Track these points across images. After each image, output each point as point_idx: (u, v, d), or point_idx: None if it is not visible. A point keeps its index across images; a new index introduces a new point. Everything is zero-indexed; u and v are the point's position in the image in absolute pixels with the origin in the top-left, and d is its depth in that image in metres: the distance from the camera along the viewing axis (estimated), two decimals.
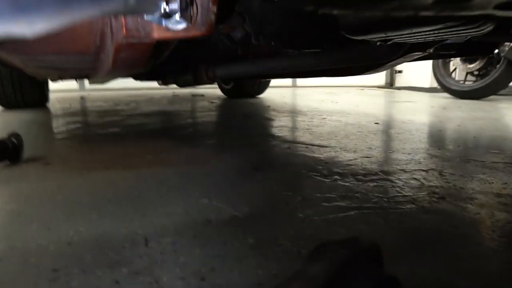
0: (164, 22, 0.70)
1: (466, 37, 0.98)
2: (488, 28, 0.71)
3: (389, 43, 0.93)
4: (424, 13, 0.45)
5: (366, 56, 1.06)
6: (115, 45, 0.82)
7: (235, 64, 1.72)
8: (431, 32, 0.74)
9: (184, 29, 0.74)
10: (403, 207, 0.78)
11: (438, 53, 1.45)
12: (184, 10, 0.67)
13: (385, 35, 0.76)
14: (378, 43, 0.96)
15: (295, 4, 0.75)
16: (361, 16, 0.52)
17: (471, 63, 3.86)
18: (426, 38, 0.84)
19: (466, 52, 1.71)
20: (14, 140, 1.18)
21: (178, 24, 0.73)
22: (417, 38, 0.84)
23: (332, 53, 1.13)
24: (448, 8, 0.44)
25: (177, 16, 0.69)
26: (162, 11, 0.67)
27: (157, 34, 0.72)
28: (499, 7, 0.44)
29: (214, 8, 0.69)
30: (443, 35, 0.82)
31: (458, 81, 4.00)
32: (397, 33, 0.73)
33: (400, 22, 0.65)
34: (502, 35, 1.09)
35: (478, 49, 1.80)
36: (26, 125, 2.08)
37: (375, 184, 0.93)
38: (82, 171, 1.07)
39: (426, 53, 1.29)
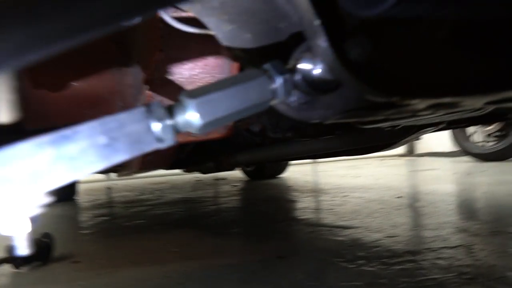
0: None
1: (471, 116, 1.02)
2: (489, 109, 0.75)
3: (398, 127, 0.97)
4: (422, 113, 0.50)
5: (377, 139, 1.11)
6: None
7: (255, 151, 1.79)
8: (434, 117, 0.78)
9: (205, 133, 0.81)
10: None
11: (450, 126, 1.48)
12: None
13: (392, 123, 0.80)
14: (388, 128, 1.01)
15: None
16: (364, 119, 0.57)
17: (488, 125, 3.86)
18: (431, 121, 0.89)
19: (478, 122, 1.74)
20: (45, 240, 1.23)
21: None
22: (423, 122, 0.88)
23: (346, 137, 1.18)
24: (442, 108, 0.48)
25: None
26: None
27: (180, 139, 0.79)
28: (489, 103, 0.48)
29: None
30: (447, 118, 0.86)
31: (479, 143, 3.97)
32: (402, 121, 0.78)
33: (402, 117, 0.70)
34: (506, 110, 1.13)
35: (489, 118, 1.83)
36: (55, 220, 2.14)
37: (401, 267, 0.91)
38: (109, 269, 1.09)
39: (439, 128, 1.33)
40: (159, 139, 0.31)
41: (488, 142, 3.94)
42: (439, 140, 5.57)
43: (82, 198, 3.41)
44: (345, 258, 1.01)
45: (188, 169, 2.91)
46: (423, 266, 0.91)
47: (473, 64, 0.42)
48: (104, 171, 2.40)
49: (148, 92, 0.85)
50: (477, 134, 4.08)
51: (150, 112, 0.30)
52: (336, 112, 0.47)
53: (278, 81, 0.37)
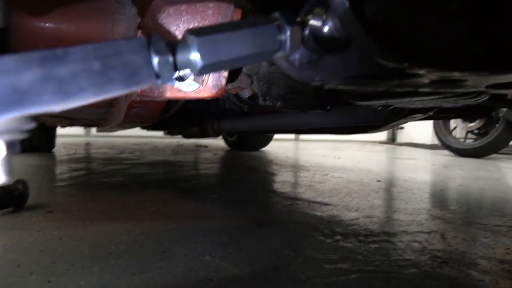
0: (176, 83, 0.74)
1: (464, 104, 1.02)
2: (484, 98, 0.74)
3: (390, 108, 0.96)
4: (422, 90, 0.48)
5: (368, 118, 1.10)
6: (128, 102, 0.86)
7: (241, 119, 1.77)
8: (430, 100, 0.77)
9: (195, 91, 0.78)
10: (406, 271, 0.78)
11: (438, 115, 1.49)
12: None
13: (386, 102, 0.79)
14: (380, 108, 1.00)
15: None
16: (364, 90, 0.56)
17: (470, 122, 3.93)
18: (425, 105, 0.88)
19: (465, 114, 1.76)
20: (20, 187, 1.20)
21: (190, 86, 0.77)
22: (417, 105, 0.88)
23: (335, 114, 1.17)
24: (444, 86, 0.47)
25: (190, 79, 0.73)
26: (176, 75, 0.71)
27: (169, 94, 0.76)
28: (490, 86, 0.47)
29: (225, 73, 0.74)
30: (442, 103, 0.86)
31: (459, 139, 4.06)
32: (398, 101, 0.77)
33: (401, 93, 0.69)
34: (498, 101, 1.14)
35: (477, 112, 1.85)
36: (31, 170, 2.10)
37: (377, 246, 0.93)
38: (84, 221, 1.07)
39: (426, 115, 1.33)
40: (157, 75, 0.28)
41: (467, 138, 4.02)
42: (421, 131, 5.66)
43: (60, 151, 3.35)
44: (322, 233, 1.02)
45: (171, 132, 2.87)
46: (398, 247, 0.93)
47: (485, 41, 0.41)
48: (85, 124, 2.34)
49: None
50: (458, 129, 4.15)
51: (151, 44, 0.28)
52: (338, 76, 0.45)
53: (287, 32, 0.35)
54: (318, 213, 1.23)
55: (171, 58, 0.29)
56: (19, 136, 0.27)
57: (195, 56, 0.30)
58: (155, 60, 0.28)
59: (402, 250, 0.90)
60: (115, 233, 0.97)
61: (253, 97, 1.19)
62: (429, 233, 1.06)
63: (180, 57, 0.30)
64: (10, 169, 0.27)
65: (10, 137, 0.27)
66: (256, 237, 0.97)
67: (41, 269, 0.74)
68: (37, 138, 2.99)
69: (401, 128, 6.36)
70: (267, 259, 0.82)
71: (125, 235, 0.95)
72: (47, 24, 1.01)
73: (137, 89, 0.29)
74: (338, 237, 0.98)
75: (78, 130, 4.79)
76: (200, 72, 0.31)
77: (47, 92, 0.24)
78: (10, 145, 0.27)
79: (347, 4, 0.32)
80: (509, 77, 0.45)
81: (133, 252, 0.84)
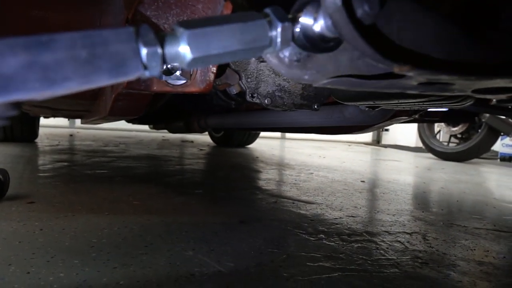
0: (164, 77, 0.74)
1: (449, 108, 1.04)
2: (469, 102, 0.75)
3: (377, 109, 0.97)
4: (410, 92, 0.49)
5: (354, 119, 1.11)
6: (114, 94, 0.84)
7: (228, 116, 1.77)
8: (416, 103, 0.78)
9: (183, 85, 0.78)
10: (387, 271, 0.78)
11: (423, 118, 1.51)
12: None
13: (373, 103, 0.80)
14: (366, 108, 1.01)
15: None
16: (352, 90, 0.56)
17: (454, 126, 4.00)
18: (411, 107, 0.89)
19: (450, 119, 1.79)
20: (0, 176, 1.17)
21: (177, 80, 0.76)
22: (403, 107, 0.88)
23: (322, 113, 1.17)
24: (431, 89, 0.47)
25: (177, 73, 0.72)
26: (164, 67, 0.70)
27: (156, 87, 0.75)
28: (476, 91, 0.48)
29: (213, 68, 0.73)
30: (428, 106, 0.87)
31: (442, 143, 4.12)
32: (385, 102, 0.78)
33: (388, 95, 0.69)
34: (482, 107, 1.16)
35: (461, 117, 1.88)
36: (12, 160, 2.06)
37: (360, 245, 0.93)
38: (66, 213, 1.05)
39: (412, 118, 1.35)
40: (145, 66, 0.28)
41: (451, 142, 4.09)
42: (405, 134, 5.74)
43: (43, 141, 3.29)
44: (306, 231, 1.02)
45: (156, 126, 2.85)
46: (380, 247, 0.94)
47: (475, 45, 0.41)
48: (70, 116, 2.30)
49: None
50: (442, 133, 4.22)
51: (139, 35, 0.28)
52: (327, 75, 0.45)
53: (278, 29, 0.35)
54: (302, 211, 1.24)
55: (160, 50, 0.28)
56: (0, 123, 0.26)
57: (184, 49, 0.30)
58: (144, 51, 0.28)
59: (384, 250, 0.91)
60: (97, 225, 0.96)
61: (241, 94, 1.18)
62: (411, 234, 1.07)
63: (169, 49, 0.30)
64: None
65: None
66: (240, 233, 0.97)
67: (20, 260, 0.73)
68: (19, 128, 2.93)
69: (386, 130, 6.44)
70: (250, 255, 0.82)
71: (107, 228, 0.94)
72: (33, 12, 0.99)
73: (123, 80, 0.28)
74: (322, 235, 0.99)
75: (62, 121, 4.71)
76: (189, 65, 0.30)
77: (31, 79, 0.24)
78: None
79: (339, 3, 0.32)
80: (495, 82, 0.45)
81: (115, 245, 0.83)
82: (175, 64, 0.32)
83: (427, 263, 0.85)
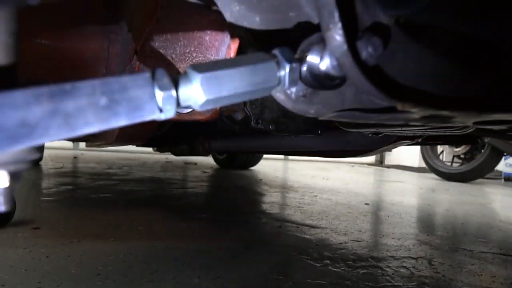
0: None
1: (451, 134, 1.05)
2: (471, 129, 0.77)
3: (380, 135, 0.98)
4: (413, 123, 0.50)
5: (357, 143, 1.12)
6: None
7: (232, 139, 1.78)
8: (419, 130, 0.79)
9: (190, 113, 0.79)
10: None
11: (426, 142, 1.52)
12: None
13: (376, 130, 0.81)
14: (370, 134, 1.02)
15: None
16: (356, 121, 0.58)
17: (457, 147, 3.99)
18: (414, 133, 0.90)
19: (452, 141, 1.80)
20: None
21: (184, 108, 0.78)
22: (406, 133, 0.90)
23: (325, 138, 1.19)
24: (434, 121, 0.49)
25: None
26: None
27: None
28: (478, 123, 0.49)
29: None
30: (430, 133, 0.88)
31: (446, 163, 4.11)
32: (388, 129, 0.79)
33: (391, 124, 0.71)
34: (483, 132, 1.17)
35: (463, 139, 1.89)
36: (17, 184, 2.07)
37: (365, 271, 0.93)
38: (71, 239, 1.06)
39: (415, 142, 1.36)
40: (161, 109, 0.29)
41: (454, 162, 4.08)
42: (409, 155, 5.73)
43: (47, 164, 3.31)
44: (311, 257, 1.02)
45: (160, 149, 2.86)
46: (386, 273, 0.93)
47: (475, 82, 0.43)
48: (75, 139, 2.32)
49: (136, 63, 0.82)
50: (445, 154, 4.22)
51: (155, 80, 0.29)
52: (332, 110, 0.47)
53: (286, 69, 0.36)
54: (307, 236, 1.24)
55: (174, 94, 0.30)
56: (23, 167, 0.27)
57: (197, 92, 0.31)
58: (159, 95, 0.29)
59: (390, 276, 0.91)
60: (103, 252, 0.96)
61: (246, 119, 1.20)
62: (416, 259, 1.07)
63: (183, 92, 0.31)
64: (11, 199, 0.27)
65: (15, 168, 0.27)
66: (245, 259, 0.97)
67: None
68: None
69: (389, 151, 6.43)
70: (256, 283, 0.82)
71: (113, 255, 0.94)
72: (43, 41, 1.02)
73: (140, 121, 0.30)
74: (327, 261, 0.99)
75: (66, 143, 4.74)
76: (202, 107, 0.32)
77: (54, 126, 0.25)
78: (13, 176, 0.27)
79: (345, 47, 0.33)
80: (495, 116, 0.47)
81: (121, 273, 0.83)
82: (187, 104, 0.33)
83: None
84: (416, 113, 0.44)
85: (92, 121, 0.26)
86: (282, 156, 6.33)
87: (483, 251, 1.19)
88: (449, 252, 1.16)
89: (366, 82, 0.35)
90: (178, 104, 0.31)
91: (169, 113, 0.30)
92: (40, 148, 3.13)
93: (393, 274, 0.93)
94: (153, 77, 0.30)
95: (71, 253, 0.95)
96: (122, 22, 0.96)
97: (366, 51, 0.34)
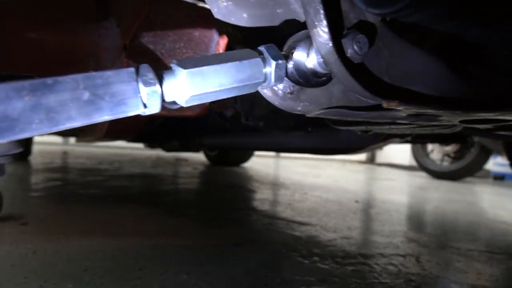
0: None
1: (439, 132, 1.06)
2: (458, 128, 0.77)
3: (369, 132, 0.99)
4: (400, 121, 0.50)
5: (347, 141, 1.12)
6: None
7: (222, 136, 1.78)
8: (408, 128, 0.80)
9: (179, 109, 0.79)
10: None
11: (415, 140, 1.53)
12: None
13: (366, 128, 0.82)
14: (359, 132, 1.02)
15: None
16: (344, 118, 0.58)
17: (447, 145, 4.03)
18: (403, 131, 0.91)
19: (441, 140, 1.81)
20: None
21: (174, 104, 0.77)
22: (395, 131, 0.90)
23: (315, 136, 1.19)
24: (420, 119, 0.49)
25: None
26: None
27: None
28: (463, 121, 0.50)
29: None
30: (418, 131, 0.88)
31: (436, 161, 4.15)
32: (377, 127, 0.79)
33: (380, 121, 0.71)
34: (472, 131, 1.18)
35: (452, 138, 1.90)
36: (5, 178, 2.05)
37: (353, 268, 0.94)
38: (59, 235, 1.05)
39: (404, 140, 1.37)
40: (145, 105, 0.29)
41: (444, 161, 4.12)
42: (400, 153, 5.77)
43: (36, 159, 3.27)
44: (300, 253, 1.02)
45: (151, 145, 2.85)
46: (374, 270, 0.94)
47: (460, 81, 0.43)
48: (64, 134, 2.30)
49: (125, 59, 0.82)
50: (435, 152, 4.25)
51: (139, 75, 0.29)
52: (319, 107, 0.47)
53: (272, 66, 0.36)
54: (297, 233, 1.24)
55: (158, 89, 0.30)
56: (6, 161, 0.27)
57: (182, 87, 0.31)
58: (143, 91, 0.29)
59: (377, 273, 0.91)
60: (90, 248, 0.96)
61: (236, 115, 1.20)
62: (404, 256, 1.08)
63: (167, 87, 0.31)
64: None
65: None
66: (234, 256, 0.97)
67: (12, 284, 0.72)
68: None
69: (380, 149, 6.47)
70: (244, 279, 0.82)
71: (101, 251, 0.94)
72: (31, 35, 1.01)
73: (123, 116, 0.30)
74: (316, 258, 0.99)
75: (55, 138, 4.69)
76: (187, 103, 0.32)
77: (36, 120, 0.25)
78: None
79: (330, 44, 0.33)
80: (481, 115, 0.47)
81: (109, 269, 0.83)
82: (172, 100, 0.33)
83: (420, 287, 0.85)
84: (403, 111, 0.44)
85: (75, 115, 0.26)
86: (273, 153, 6.33)
87: (470, 249, 1.21)
88: (436, 250, 1.18)
89: (351, 80, 0.35)
90: (163, 99, 0.31)
91: (153, 108, 0.30)
92: (25, 142, 3.10)
93: (380, 271, 0.93)
94: (137, 72, 0.29)
95: (59, 249, 0.94)
96: (112, 17, 0.96)
97: (352, 49, 0.34)
